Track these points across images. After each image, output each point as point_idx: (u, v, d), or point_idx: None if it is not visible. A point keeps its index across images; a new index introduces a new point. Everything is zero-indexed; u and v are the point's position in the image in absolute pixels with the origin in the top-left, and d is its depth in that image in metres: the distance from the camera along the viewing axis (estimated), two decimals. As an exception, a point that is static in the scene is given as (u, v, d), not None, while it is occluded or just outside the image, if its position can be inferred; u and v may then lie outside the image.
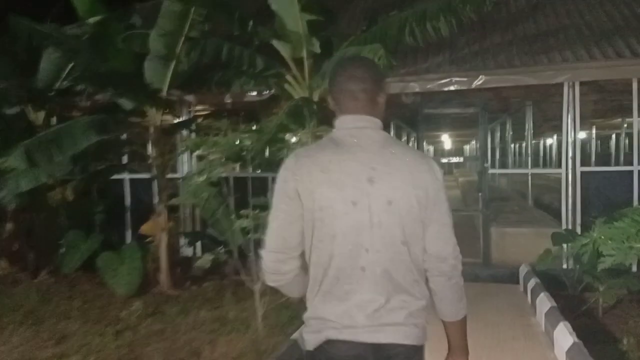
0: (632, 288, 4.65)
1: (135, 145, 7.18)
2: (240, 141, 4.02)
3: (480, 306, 4.99)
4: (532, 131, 9.73)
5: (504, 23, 7.21)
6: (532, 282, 5.38)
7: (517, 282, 6.13)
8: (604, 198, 6.17)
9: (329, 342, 1.40)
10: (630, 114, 6.13)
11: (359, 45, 4.66)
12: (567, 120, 6.14)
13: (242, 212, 3.83)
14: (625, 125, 12.01)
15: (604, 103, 8.04)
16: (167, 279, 5.82)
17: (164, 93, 5.63)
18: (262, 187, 5.83)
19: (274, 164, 5.83)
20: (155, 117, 5.79)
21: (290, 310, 4.86)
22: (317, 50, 5.34)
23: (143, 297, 5.42)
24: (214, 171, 3.82)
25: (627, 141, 12.57)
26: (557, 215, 7.05)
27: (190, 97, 6.82)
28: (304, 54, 5.43)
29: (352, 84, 1.46)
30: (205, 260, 4.05)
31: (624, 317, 4.69)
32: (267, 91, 6.03)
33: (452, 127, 13.86)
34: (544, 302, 4.58)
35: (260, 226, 4.19)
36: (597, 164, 13.46)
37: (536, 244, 6.20)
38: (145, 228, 5.90)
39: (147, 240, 5.91)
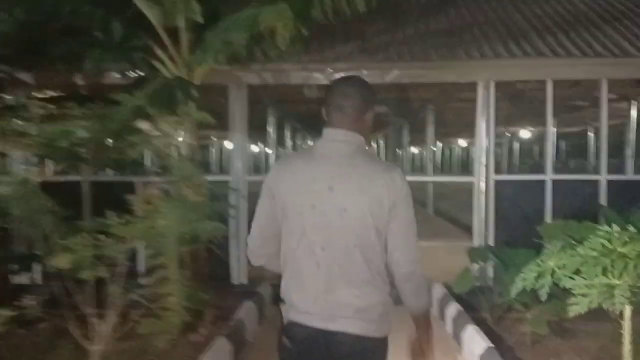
0: (562, 315, 4.06)
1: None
2: (72, 132, 2.63)
3: (396, 340, 4.09)
4: (434, 136, 9.34)
5: (415, 14, 6.55)
6: (453, 309, 4.64)
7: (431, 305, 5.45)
8: (517, 209, 5.72)
9: (291, 323, 1.68)
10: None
11: (257, 7, 3.50)
12: (481, 125, 5.59)
13: (68, 241, 2.43)
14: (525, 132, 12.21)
15: (518, 108, 7.79)
16: (-22, 324, 4.14)
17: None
18: (121, 194, 4.41)
19: (129, 164, 4.46)
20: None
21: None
22: (199, 18, 4.06)
23: None
24: (20, 176, 2.40)
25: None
26: (465, 227, 6.57)
27: (24, 75, 5.11)
28: (181, 22, 4.14)
29: (342, 100, 1.67)
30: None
31: (555, 349, 4.09)
32: (132, 70, 4.60)
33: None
34: (476, 340, 3.81)
35: (104, 257, 2.86)
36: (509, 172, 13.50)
37: (447, 259, 5.61)
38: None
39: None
